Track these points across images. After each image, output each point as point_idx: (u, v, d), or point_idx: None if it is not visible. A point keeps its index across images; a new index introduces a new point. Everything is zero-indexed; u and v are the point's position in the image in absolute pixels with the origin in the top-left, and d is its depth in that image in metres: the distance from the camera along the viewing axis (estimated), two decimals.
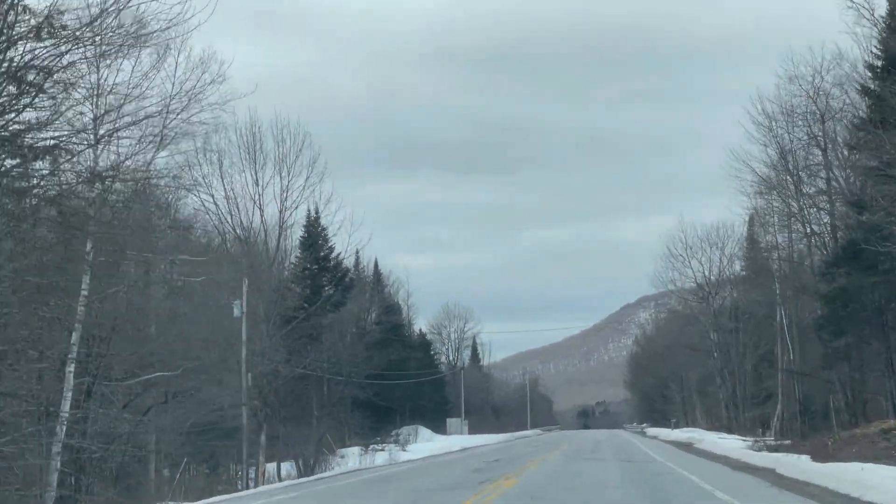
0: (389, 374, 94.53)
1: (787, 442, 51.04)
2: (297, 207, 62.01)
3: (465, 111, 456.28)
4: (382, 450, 75.02)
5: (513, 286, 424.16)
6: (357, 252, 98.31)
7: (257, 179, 58.41)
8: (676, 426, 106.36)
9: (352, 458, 67.16)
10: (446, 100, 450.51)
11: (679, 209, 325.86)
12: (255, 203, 58.91)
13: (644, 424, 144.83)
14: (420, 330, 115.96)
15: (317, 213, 76.63)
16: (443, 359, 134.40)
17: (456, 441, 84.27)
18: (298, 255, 76.67)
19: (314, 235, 76.47)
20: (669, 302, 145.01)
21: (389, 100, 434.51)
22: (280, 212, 57.41)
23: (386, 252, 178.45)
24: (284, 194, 58.43)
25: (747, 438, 64.33)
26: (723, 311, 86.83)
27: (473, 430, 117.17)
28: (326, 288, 77.06)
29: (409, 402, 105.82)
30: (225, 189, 58.04)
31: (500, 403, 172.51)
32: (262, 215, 57.99)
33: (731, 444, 48.41)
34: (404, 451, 75.31)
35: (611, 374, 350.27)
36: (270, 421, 56.20)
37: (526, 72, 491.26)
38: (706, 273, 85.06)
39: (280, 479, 47.73)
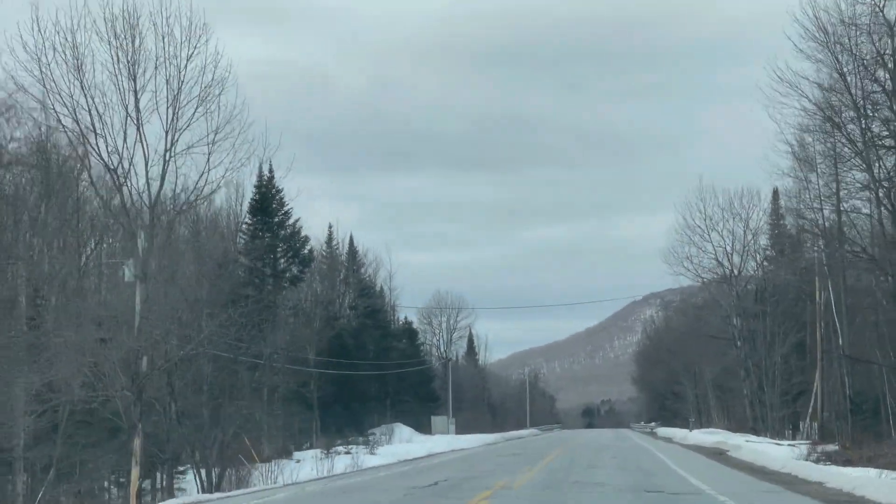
0: (363, 363, 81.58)
1: (833, 447, 38.33)
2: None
3: (466, 107, 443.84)
4: (348, 452, 62.46)
5: (516, 283, 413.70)
6: (330, 228, 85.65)
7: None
8: (694, 426, 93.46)
9: (309, 463, 54.38)
10: (447, 95, 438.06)
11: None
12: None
13: (653, 423, 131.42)
14: (406, 318, 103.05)
15: (270, 173, 63.87)
16: (434, 351, 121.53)
17: (437, 443, 71.39)
18: (248, 221, 63.84)
19: (266, 199, 63.62)
20: (676, 299, 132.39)
21: (390, 95, 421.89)
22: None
23: (389, 247, 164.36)
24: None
25: (783, 442, 51.39)
26: (747, 294, 73.73)
27: (464, 429, 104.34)
28: (281, 261, 64.19)
29: (390, 398, 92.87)
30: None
31: (499, 401, 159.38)
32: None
33: (779, 453, 35.46)
34: (373, 454, 62.70)
35: (616, 372, 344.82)
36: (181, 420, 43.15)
37: (528, 67, 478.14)
38: (728, 248, 72.13)
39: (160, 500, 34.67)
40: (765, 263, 73.07)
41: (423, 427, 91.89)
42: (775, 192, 74.49)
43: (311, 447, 69.38)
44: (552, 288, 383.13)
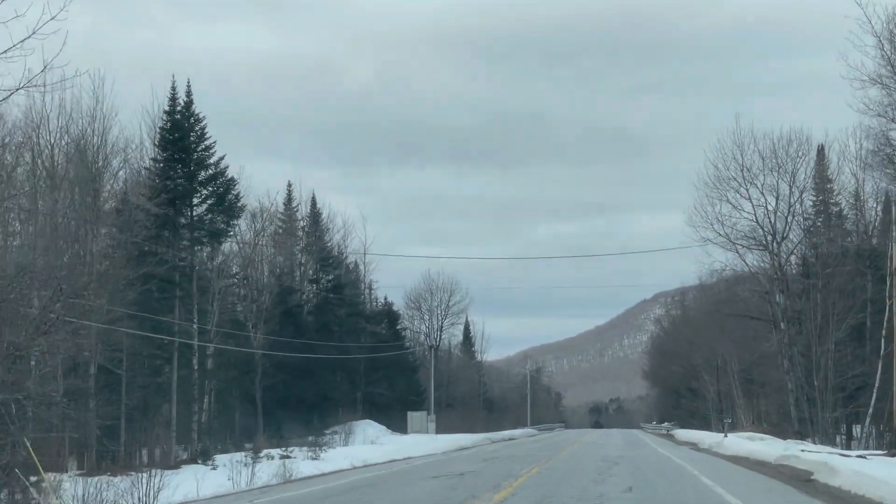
0: (325, 344, 66.31)
1: None
2: None
3: (476, 101, 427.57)
4: (287, 456, 47.67)
5: (525, 280, 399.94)
6: (289, 186, 70.38)
7: None
8: (726, 429, 78.13)
9: (224, 472, 39.71)
10: (456, 89, 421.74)
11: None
12: None
13: (666, 424, 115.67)
14: (386, 299, 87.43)
15: (188, 95, 48.71)
16: (424, 340, 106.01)
17: (403, 445, 56.33)
18: (154, 156, 48.55)
19: (179, 126, 48.33)
20: (686, 299, 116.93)
21: (398, 87, 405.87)
22: None
23: (395, 244, 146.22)
24: None
25: (851, 453, 35.98)
26: (786, 273, 58.34)
27: (452, 427, 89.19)
28: (197, 206, 48.90)
29: (361, 391, 77.57)
30: None
31: (499, 397, 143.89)
32: None
33: None
34: (316, 459, 47.86)
35: (625, 370, 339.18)
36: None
37: (538, 61, 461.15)
38: (770, 207, 56.51)
39: None
40: (817, 224, 57.53)
41: (403, 425, 76.56)
42: (820, 150, 59.18)
43: (253, 449, 54.42)
44: (566, 283, 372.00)
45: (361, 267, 79.60)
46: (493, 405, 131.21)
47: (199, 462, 47.24)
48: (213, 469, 42.89)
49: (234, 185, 49.25)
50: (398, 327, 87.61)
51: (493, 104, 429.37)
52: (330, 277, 71.42)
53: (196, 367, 48.82)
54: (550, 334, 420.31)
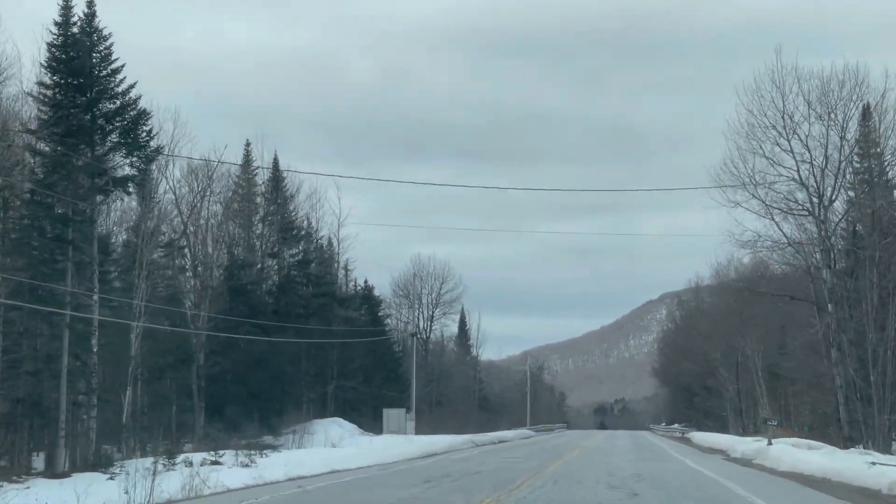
0: (285, 326, 55.43)
1: None
2: None
3: (481, 98, 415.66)
4: (217, 462, 37.21)
5: (530, 279, 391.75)
6: (247, 146, 59.52)
7: None
8: (771, 433, 67.64)
9: (121, 481, 29.31)
10: (461, 86, 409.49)
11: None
12: None
13: (676, 425, 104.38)
14: (366, 283, 76.20)
15: (90, 5, 37.83)
16: (411, 329, 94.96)
17: (366, 448, 45.53)
18: (41, 80, 37.53)
19: (76, 44, 37.33)
20: (692, 300, 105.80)
21: (402, 84, 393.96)
22: None
23: (397, 242, 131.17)
24: None
25: None
26: (834, 245, 47.12)
27: (440, 427, 78.57)
28: (99, 146, 37.82)
29: (333, 384, 66.62)
30: None
31: (498, 396, 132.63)
32: None
33: None
34: (248, 466, 37.23)
35: (631, 371, 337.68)
36: None
37: (542, 59, 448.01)
38: (818, 162, 45.26)
39: None
40: (874, 183, 46.26)
41: (381, 424, 65.51)
42: (865, 110, 47.89)
43: (167, 453, 43.70)
44: (571, 283, 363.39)
45: (335, 243, 68.53)
46: (491, 404, 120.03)
47: (100, 469, 36.78)
48: (111, 479, 32.93)
49: (146, 119, 38.11)
50: (379, 314, 76.47)
51: (495, 102, 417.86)
52: (293, 252, 60.45)
53: (95, 350, 37.77)
54: (555, 334, 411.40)
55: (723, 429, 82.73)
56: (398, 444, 48.65)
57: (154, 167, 44.21)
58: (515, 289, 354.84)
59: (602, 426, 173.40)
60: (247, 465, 37.21)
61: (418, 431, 68.50)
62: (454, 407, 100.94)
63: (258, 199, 60.23)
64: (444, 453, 42.12)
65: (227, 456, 38.84)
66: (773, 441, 36.51)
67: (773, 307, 77.34)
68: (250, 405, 54.09)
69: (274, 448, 51.33)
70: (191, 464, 36.88)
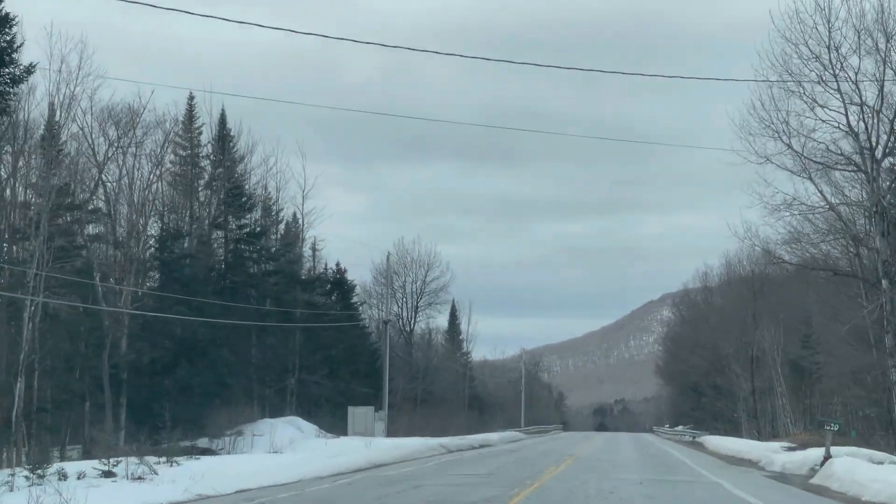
0: (230, 303, 45.94)
1: None
2: None
3: (480, 98, 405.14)
4: (111, 471, 27.75)
5: (532, 280, 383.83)
6: (191, 100, 50.11)
7: None
8: (829, 442, 58.46)
9: None
10: (461, 85, 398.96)
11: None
12: None
13: (681, 427, 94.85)
14: (339, 266, 66.54)
15: None
16: (397, 324, 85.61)
17: (315, 455, 36.22)
18: None
19: None
20: (700, 293, 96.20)
21: (403, 83, 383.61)
22: None
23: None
24: None
25: None
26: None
27: (419, 427, 69.44)
28: None
29: (295, 376, 57.23)
30: None
31: (493, 395, 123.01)
32: None
33: None
34: (143, 479, 27.61)
35: (631, 372, 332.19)
36: None
37: (543, 59, 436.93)
38: (865, 107, 35.71)
39: None
40: None
41: (342, 425, 56.03)
42: None
43: (31, 462, 34.58)
44: (572, 284, 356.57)
45: (299, 218, 58.98)
46: (483, 403, 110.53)
47: None
48: None
49: (9, 25, 28.67)
50: (353, 300, 66.97)
51: (497, 101, 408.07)
52: (243, 223, 51.01)
53: None
54: (555, 335, 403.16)
55: (735, 432, 73.27)
56: (353, 450, 39.25)
57: (56, 105, 34.84)
58: (515, 289, 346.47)
59: (602, 427, 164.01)
60: (141, 479, 28.21)
61: (393, 432, 59.18)
62: (443, 406, 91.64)
63: (203, 163, 50.80)
64: (395, 462, 32.68)
65: (128, 465, 29.67)
66: (831, 453, 26.96)
67: (796, 293, 67.83)
68: (185, 401, 44.75)
69: (213, 453, 42.33)
70: (65, 477, 27.95)
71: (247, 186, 52.04)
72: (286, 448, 42.78)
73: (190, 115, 50.45)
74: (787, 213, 37.51)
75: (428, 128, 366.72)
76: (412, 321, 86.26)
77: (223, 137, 50.65)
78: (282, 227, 59.30)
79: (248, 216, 51.36)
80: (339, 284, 65.55)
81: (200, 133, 50.55)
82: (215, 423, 44.59)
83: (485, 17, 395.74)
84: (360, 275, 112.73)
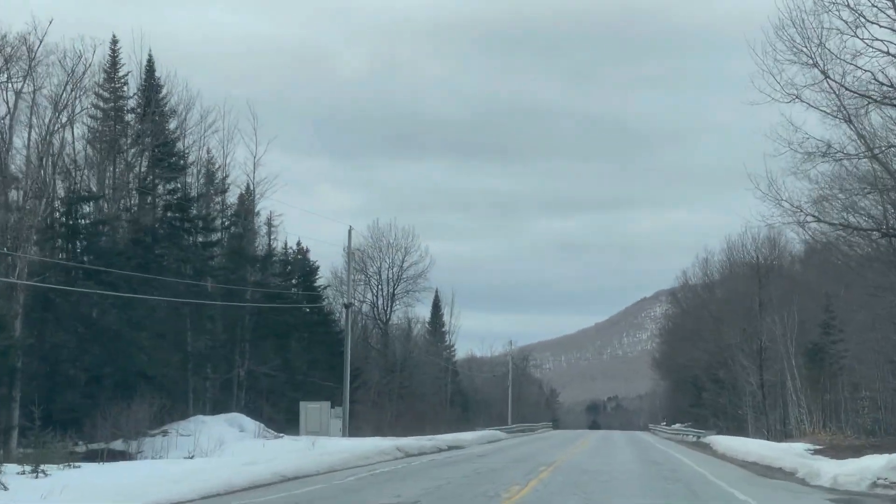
0: (157, 277, 38.15)
1: None
2: None
3: (472, 93, 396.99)
4: None
5: (525, 277, 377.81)
6: (114, 44, 42.33)
7: None
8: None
9: None
10: (452, 80, 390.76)
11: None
12: None
13: (679, 425, 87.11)
14: (299, 244, 58.63)
15: None
16: (366, 310, 77.77)
17: (240, 461, 28.50)
18: None
19: None
20: (696, 289, 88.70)
21: (394, 77, 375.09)
22: None
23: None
24: None
25: None
26: None
27: (390, 425, 62.45)
28: None
29: (245, 367, 49.42)
30: None
31: (479, 391, 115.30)
32: None
33: None
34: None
35: (625, 369, 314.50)
36: None
37: (534, 53, 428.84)
38: None
39: None
40: None
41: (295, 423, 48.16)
42: None
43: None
44: (565, 281, 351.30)
45: (251, 183, 50.96)
46: (468, 400, 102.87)
47: None
48: None
49: None
50: (315, 283, 59.10)
51: (489, 96, 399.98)
52: (173, 187, 43.16)
53: None
54: (549, 332, 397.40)
55: (740, 430, 65.63)
56: (287, 454, 31.53)
57: None
58: (508, 286, 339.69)
59: (594, 425, 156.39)
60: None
61: (360, 431, 51.52)
62: (423, 402, 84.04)
63: (129, 117, 42.92)
64: (328, 472, 24.81)
65: None
66: None
67: (811, 276, 60.23)
68: (97, 395, 37.01)
69: (129, 457, 34.90)
70: None
71: (180, 146, 44.22)
72: (214, 451, 35.13)
73: (114, 61, 42.64)
74: (823, 160, 29.67)
75: (419, 124, 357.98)
76: (388, 310, 78.46)
77: (150, 87, 42.82)
78: (231, 198, 51.44)
79: (181, 180, 43.48)
80: (301, 266, 57.76)
81: (125, 84, 42.74)
82: (135, 421, 36.77)
83: (475, 10, 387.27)
84: (333, 262, 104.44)
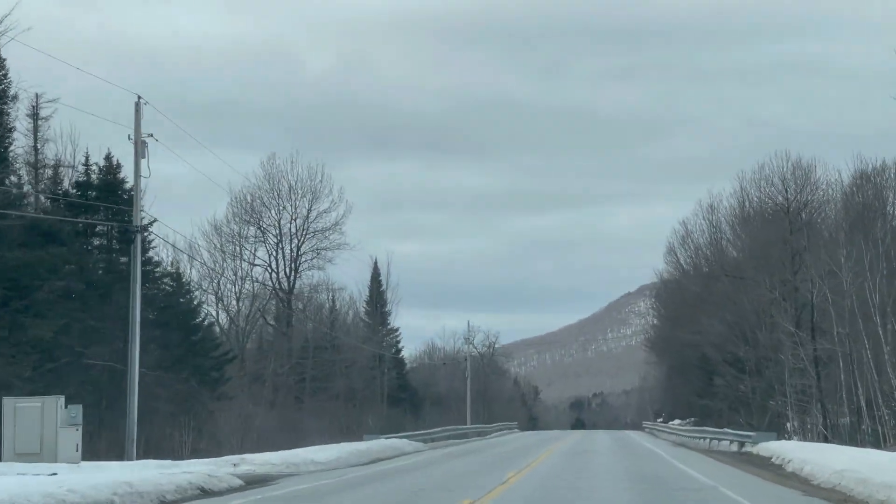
0: None
1: None
2: None
3: (442, 88, 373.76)
4: None
5: (505, 275, 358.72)
6: None
7: None
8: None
9: None
10: (421, 76, 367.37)
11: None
12: None
13: (678, 422, 64.94)
14: (109, 155, 36.58)
15: None
16: (270, 279, 55.43)
17: None
18: None
19: None
20: (699, 241, 67.42)
21: (361, 74, 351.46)
22: None
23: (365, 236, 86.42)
24: None
25: None
26: None
27: (285, 433, 40.59)
28: None
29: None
30: None
31: (439, 388, 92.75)
32: None
33: None
34: None
35: (609, 364, 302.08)
36: None
37: (504, 46, 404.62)
38: None
39: None
40: None
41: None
42: None
43: None
44: (547, 278, 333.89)
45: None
46: (419, 397, 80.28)
47: None
48: None
49: None
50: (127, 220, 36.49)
51: (459, 91, 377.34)
52: None
53: None
54: (531, 329, 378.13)
55: (770, 427, 43.47)
56: None
57: None
58: (487, 285, 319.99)
59: (578, 424, 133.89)
60: None
61: (223, 443, 29.28)
62: (351, 400, 61.79)
63: None
64: None
65: None
66: None
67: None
68: None
69: None
70: None
71: None
72: None
73: None
74: None
75: (390, 120, 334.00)
76: (292, 276, 56.02)
77: None
78: None
79: None
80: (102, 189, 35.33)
81: None
82: None
83: (440, 3, 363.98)
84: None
